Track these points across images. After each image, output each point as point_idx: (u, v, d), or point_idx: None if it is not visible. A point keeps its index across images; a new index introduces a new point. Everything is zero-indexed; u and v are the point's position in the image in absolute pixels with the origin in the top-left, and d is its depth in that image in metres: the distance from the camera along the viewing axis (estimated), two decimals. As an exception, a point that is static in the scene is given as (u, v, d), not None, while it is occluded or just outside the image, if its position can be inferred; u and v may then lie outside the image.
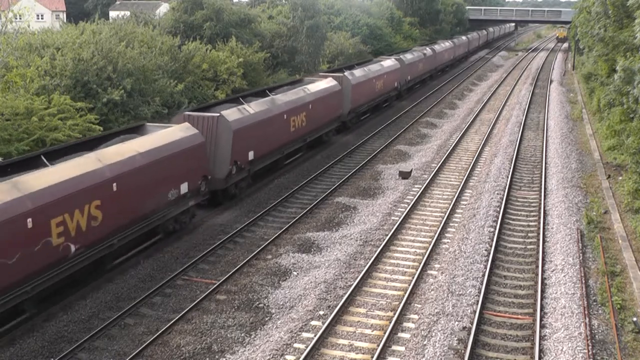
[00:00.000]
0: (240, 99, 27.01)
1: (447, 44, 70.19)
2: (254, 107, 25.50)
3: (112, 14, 76.50)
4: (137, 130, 20.90)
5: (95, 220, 16.36)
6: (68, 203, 15.44)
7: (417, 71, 53.98)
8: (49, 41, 29.91)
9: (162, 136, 19.86)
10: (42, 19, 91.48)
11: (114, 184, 16.97)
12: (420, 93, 54.27)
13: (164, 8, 71.68)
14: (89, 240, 16.26)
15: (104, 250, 17.14)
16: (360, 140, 35.25)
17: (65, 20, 79.08)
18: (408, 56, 51.66)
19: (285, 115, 27.62)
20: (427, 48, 60.21)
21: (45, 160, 16.92)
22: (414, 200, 24.16)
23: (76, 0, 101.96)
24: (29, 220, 14.38)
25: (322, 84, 33.24)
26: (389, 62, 45.99)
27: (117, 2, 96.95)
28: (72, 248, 15.72)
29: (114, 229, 17.22)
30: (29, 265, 14.50)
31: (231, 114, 23.69)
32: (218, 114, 23.13)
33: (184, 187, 20.26)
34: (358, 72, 38.71)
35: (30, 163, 16.78)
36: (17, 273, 14.23)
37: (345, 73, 37.10)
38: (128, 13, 44.33)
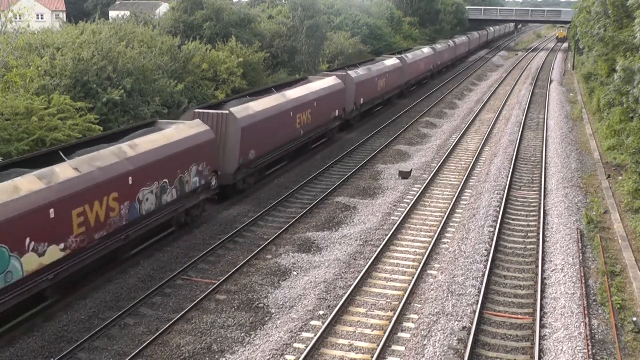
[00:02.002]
0: (346, 67, 40.47)
1: (463, 38, 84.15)
2: (361, 71, 39.09)
3: (112, 14, 76.48)
4: (306, 79, 34.47)
5: (309, 119, 30.01)
6: (301, 108, 29.04)
7: (444, 58, 68.05)
8: (49, 41, 29.87)
9: (326, 82, 33.56)
10: (42, 19, 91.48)
11: (315, 103, 30.57)
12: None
13: (164, 8, 71.63)
14: (307, 130, 30.08)
15: (308, 139, 30.77)
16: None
17: (65, 20, 79.09)
18: (438, 46, 65.47)
19: (376, 79, 41.47)
20: (450, 41, 73.97)
21: (273, 90, 29.70)
22: (414, 200, 24.16)
23: (76, 0, 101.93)
24: (290, 112, 27.93)
25: (391, 61, 46.60)
26: (426, 50, 59.42)
27: (117, 2, 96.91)
28: (302, 132, 29.48)
29: (313, 127, 31.04)
30: (289, 136, 28.26)
31: (353, 73, 37.58)
32: (346, 73, 36.91)
33: (337, 112, 34.40)
34: (410, 55, 52.49)
35: (265, 92, 29.19)
36: (285, 140, 27.78)
37: (403, 55, 50.73)
38: (128, 13, 44.30)
